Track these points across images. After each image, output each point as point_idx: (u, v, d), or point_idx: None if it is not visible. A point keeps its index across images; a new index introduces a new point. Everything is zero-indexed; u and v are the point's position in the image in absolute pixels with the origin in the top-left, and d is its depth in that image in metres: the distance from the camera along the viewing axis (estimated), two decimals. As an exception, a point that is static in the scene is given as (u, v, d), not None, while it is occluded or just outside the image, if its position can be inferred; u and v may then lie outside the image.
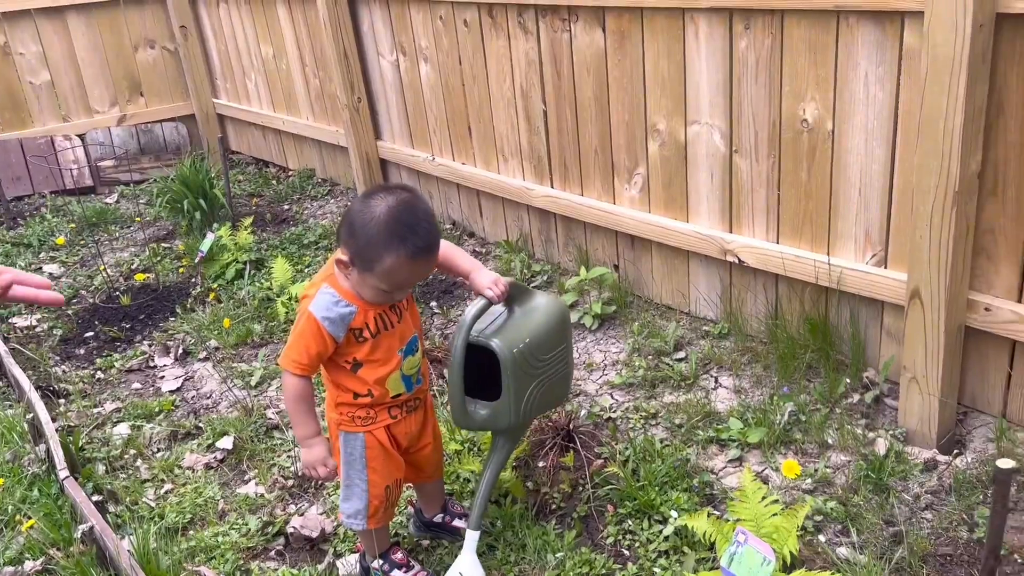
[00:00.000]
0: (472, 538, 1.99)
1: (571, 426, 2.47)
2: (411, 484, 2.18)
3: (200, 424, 2.81)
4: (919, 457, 2.27)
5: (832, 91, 2.41)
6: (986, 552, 1.53)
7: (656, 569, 2.00)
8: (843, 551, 2.00)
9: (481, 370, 1.93)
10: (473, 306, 1.89)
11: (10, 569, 2.17)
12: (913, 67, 2.19)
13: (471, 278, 1.93)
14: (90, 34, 5.61)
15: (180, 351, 3.32)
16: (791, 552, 1.84)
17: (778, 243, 2.72)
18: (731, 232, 2.84)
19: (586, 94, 3.16)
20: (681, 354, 2.88)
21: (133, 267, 4.18)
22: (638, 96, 2.96)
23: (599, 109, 3.13)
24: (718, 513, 2.15)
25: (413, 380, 1.90)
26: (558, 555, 2.07)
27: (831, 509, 2.12)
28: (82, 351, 3.43)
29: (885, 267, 2.46)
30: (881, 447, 2.29)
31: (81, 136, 5.63)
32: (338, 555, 2.19)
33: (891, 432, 2.36)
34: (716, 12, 2.61)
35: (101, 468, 2.60)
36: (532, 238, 3.73)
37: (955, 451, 2.27)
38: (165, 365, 3.27)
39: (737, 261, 2.81)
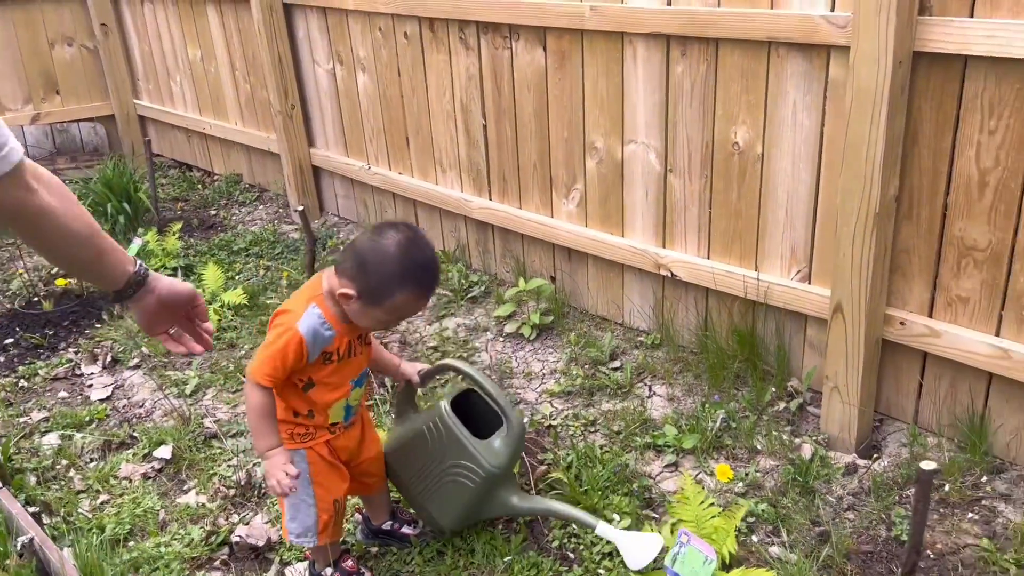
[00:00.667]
0: (604, 529, 1.95)
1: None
2: (357, 496, 2.20)
3: (135, 433, 2.76)
4: (840, 461, 2.43)
5: (763, 117, 2.56)
6: (909, 547, 1.67)
7: (600, 571, 2.09)
8: (775, 550, 2.13)
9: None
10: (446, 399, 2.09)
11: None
12: (837, 97, 2.36)
13: (402, 368, 2.12)
14: (3, 29, 5.40)
15: (109, 359, 3.24)
16: (730, 552, 1.95)
17: (709, 258, 2.85)
18: (664, 247, 2.97)
19: (526, 110, 3.24)
20: (616, 363, 2.99)
21: (53, 272, 4.05)
22: (577, 114, 3.07)
23: (539, 125, 3.22)
24: (656, 516, 2.25)
25: (353, 411, 1.97)
26: (506, 559, 2.13)
27: (762, 511, 2.25)
28: (2, 359, 3.30)
29: (809, 283, 2.62)
30: (807, 452, 2.44)
31: (-8, 134, 5.39)
32: (285, 563, 2.20)
33: (814, 438, 2.51)
34: (654, 38, 2.74)
35: (32, 479, 2.53)
36: (469, 249, 3.79)
37: (874, 455, 2.44)
38: (93, 373, 3.18)
39: (670, 275, 2.94)
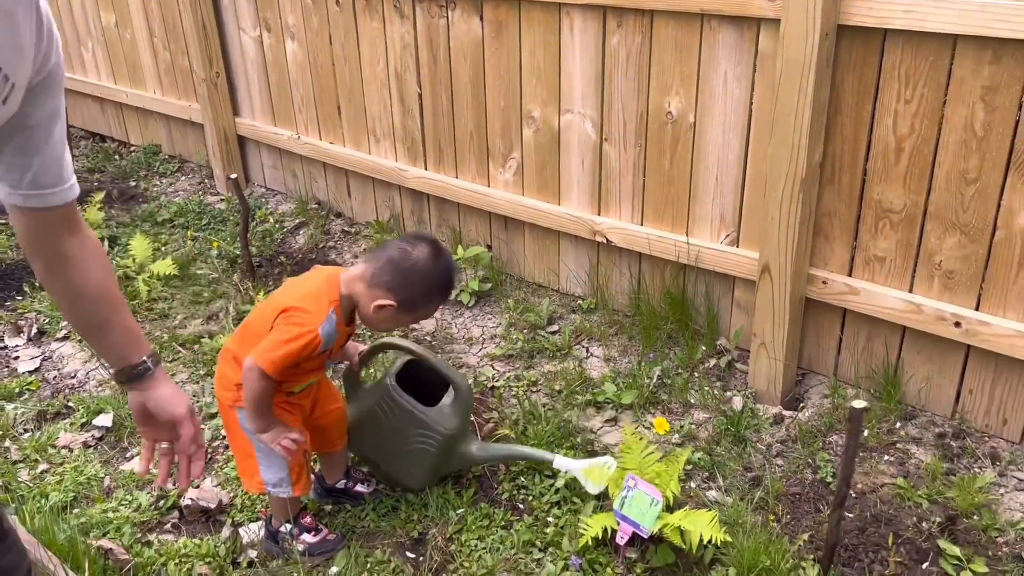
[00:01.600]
0: (561, 461, 2.18)
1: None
2: (316, 453, 2.24)
3: (70, 403, 2.70)
4: (768, 413, 2.59)
5: (695, 87, 2.68)
6: (840, 479, 1.82)
7: (550, 519, 2.18)
8: (712, 494, 2.26)
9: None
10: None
11: None
12: (767, 68, 2.49)
13: (347, 348, 2.18)
14: None
15: (34, 331, 3.14)
16: (673, 494, 2.07)
17: (643, 225, 2.97)
18: (600, 215, 3.07)
19: (462, 80, 3.28)
20: (554, 327, 3.08)
21: (-36, 244, 3.88)
22: (514, 84, 3.12)
23: (475, 95, 3.26)
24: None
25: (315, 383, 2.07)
26: (459, 511, 2.20)
27: (698, 459, 2.38)
28: (-84, 332, 3.17)
29: (737, 246, 2.77)
30: (738, 404, 2.59)
31: None
32: (238, 524, 2.21)
33: (742, 392, 2.67)
34: (590, 8, 2.81)
35: (-36, 450, 2.45)
36: (404, 219, 3.81)
37: (799, 406, 2.61)
38: (18, 345, 3.09)
39: (605, 241, 3.04)
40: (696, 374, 2.76)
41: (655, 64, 2.74)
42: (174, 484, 1.81)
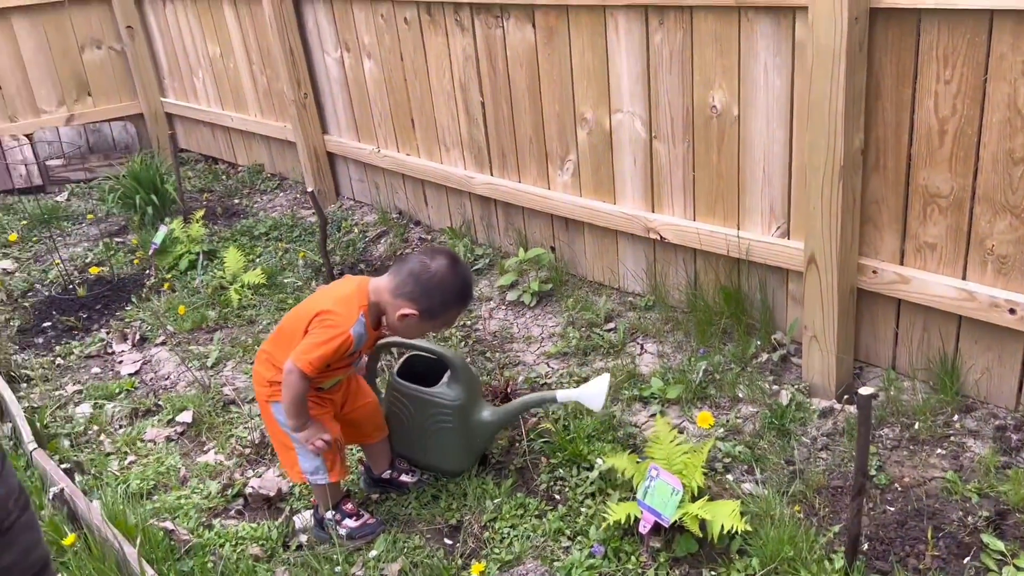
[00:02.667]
0: (562, 394, 2.28)
1: (509, 390, 2.69)
2: (358, 445, 2.39)
3: (160, 402, 2.97)
4: (818, 406, 2.54)
5: (737, 79, 2.66)
6: (855, 469, 1.79)
7: (583, 508, 2.23)
8: (748, 487, 2.25)
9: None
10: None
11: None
12: (804, 57, 2.45)
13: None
14: (35, 35, 5.67)
15: (137, 337, 3.46)
16: (698, 485, 2.08)
17: (695, 220, 2.97)
18: (653, 212, 3.09)
19: (520, 87, 3.38)
20: (611, 325, 3.12)
21: (87, 261, 4.29)
22: (567, 87, 3.19)
23: (532, 100, 3.35)
24: (640, 459, 2.39)
25: (342, 382, 2.21)
26: (495, 501, 2.29)
27: (739, 452, 2.37)
28: (41, 340, 3.55)
29: (788, 238, 2.73)
30: (784, 398, 2.55)
31: (29, 136, 5.69)
32: (294, 511, 2.38)
33: (795, 386, 2.62)
34: (633, 8, 2.85)
35: (66, 443, 2.75)
36: (475, 224, 3.94)
37: (845, 398, 2.54)
38: (123, 351, 3.41)
39: (659, 238, 3.06)
40: (749, 368, 2.73)
41: (697, 59, 2.75)
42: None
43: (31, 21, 5.63)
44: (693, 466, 2.10)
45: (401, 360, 2.38)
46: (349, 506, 2.24)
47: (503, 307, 3.42)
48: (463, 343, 3.17)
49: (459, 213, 4.02)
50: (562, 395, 2.27)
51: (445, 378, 2.29)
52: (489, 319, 3.33)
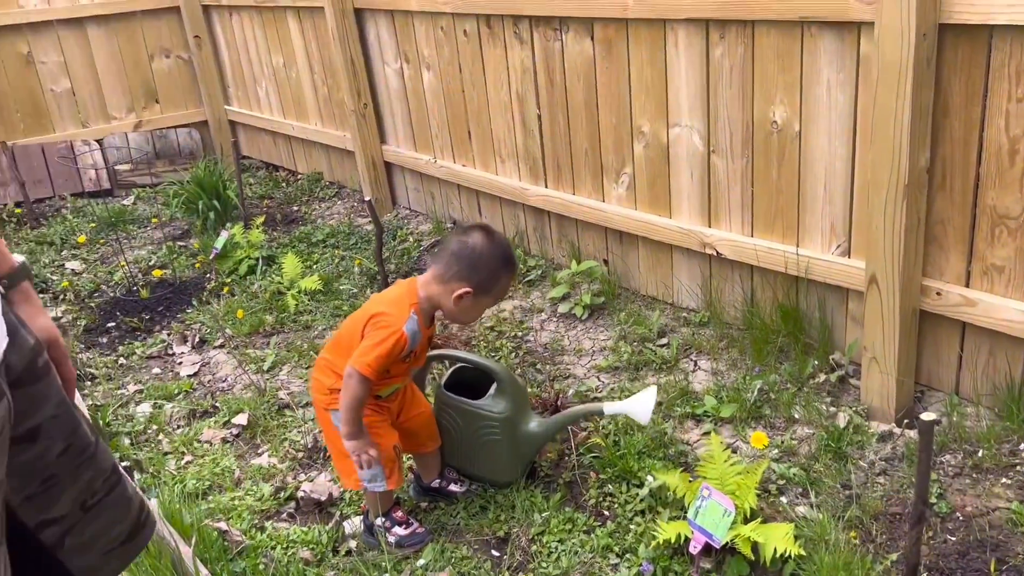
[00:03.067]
0: (610, 407, 2.28)
1: (559, 403, 2.69)
2: (411, 454, 2.40)
3: (217, 404, 3.03)
4: (877, 429, 2.48)
5: (798, 95, 2.63)
6: (915, 496, 1.74)
7: (632, 526, 2.21)
8: (802, 510, 2.21)
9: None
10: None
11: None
12: (868, 72, 2.41)
13: None
14: (108, 44, 5.87)
15: (197, 339, 3.54)
16: (751, 506, 2.04)
17: (752, 236, 2.93)
18: (710, 227, 3.06)
19: (577, 99, 3.38)
20: (664, 340, 3.09)
21: (151, 263, 4.42)
22: (624, 101, 3.18)
23: (589, 113, 3.35)
24: (692, 478, 2.36)
25: (400, 389, 2.24)
26: (544, 514, 2.28)
27: (793, 475, 2.32)
28: (105, 340, 3.66)
29: (849, 256, 2.67)
30: (842, 420, 2.50)
31: (99, 141, 5.88)
32: (344, 517, 2.40)
33: (853, 408, 2.56)
34: (693, 23, 2.83)
35: (126, 441, 2.82)
36: (528, 235, 3.95)
37: (905, 422, 2.48)
38: (183, 352, 3.49)
39: (715, 253, 3.03)
40: (805, 389, 2.68)
41: (758, 74, 2.71)
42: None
43: (105, 30, 5.83)
44: (746, 487, 2.06)
45: (449, 372, 2.39)
46: (399, 514, 2.25)
47: (554, 319, 3.41)
48: (514, 354, 3.17)
49: (513, 224, 4.03)
50: (609, 408, 2.26)
51: (492, 390, 2.30)
52: (540, 331, 3.33)
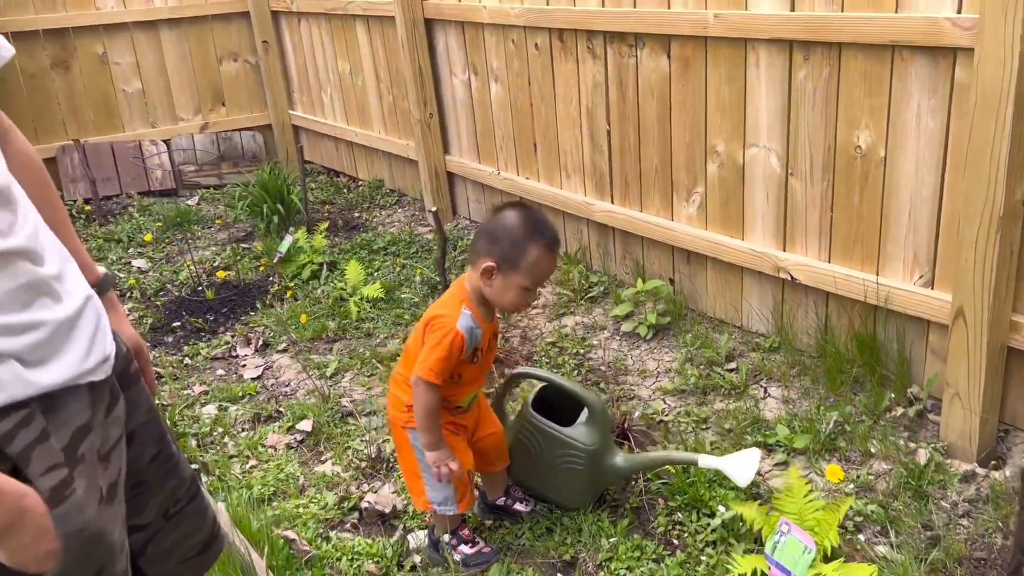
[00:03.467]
0: (706, 460, 2.16)
1: (626, 425, 2.64)
2: (479, 472, 2.38)
3: (280, 408, 3.05)
4: (959, 469, 2.39)
5: (886, 120, 2.56)
6: (1013, 544, 1.66)
7: (703, 557, 2.16)
8: (881, 549, 2.13)
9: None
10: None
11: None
12: (964, 100, 2.33)
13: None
14: (179, 46, 5.98)
15: (260, 343, 3.57)
16: (831, 544, 1.98)
17: (829, 262, 2.86)
18: (784, 250, 2.99)
19: (649, 116, 3.34)
20: (732, 365, 3.03)
21: (215, 264, 4.47)
22: (699, 119, 3.14)
23: (661, 130, 3.31)
24: (768, 510, 2.29)
25: (476, 399, 2.20)
26: (611, 540, 2.24)
27: (871, 512, 2.25)
28: (170, 339, 3.70)
29: (932, 288, 2.59)
30: (922, 457, 2.41)
31: (166, 141, 5.99)
32: (408, 530, 2.39)
33: (932, 445, 2.48)
34: (777, 43, 2.78)
35: (193, 442, 2.85)
36: (591, 251, 3.91)
37: (997, 464, 2.38)
38: (246, 355, 3.52)
39: (789, 278, 2.96)
40: (881, 422, 2.60)
41: (843, 97, 2.65)
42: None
43: (177, 33, 5.95)
44: (827, 524, 2.00)
45: (536, 391, 2.36)
46: (466, 532, 2.23)
47: (617, 337, 3.37)
48: (576, 371, 3.14)
49: (575, 239, 4.00)
50: (705, 461, 2.15)
51: (582, 419, 2.25)
52: (603, 349, 3.29)
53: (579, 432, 2.23)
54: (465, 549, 2.21)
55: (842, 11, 2.57)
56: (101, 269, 1.47)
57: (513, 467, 2.36)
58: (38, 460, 1.11)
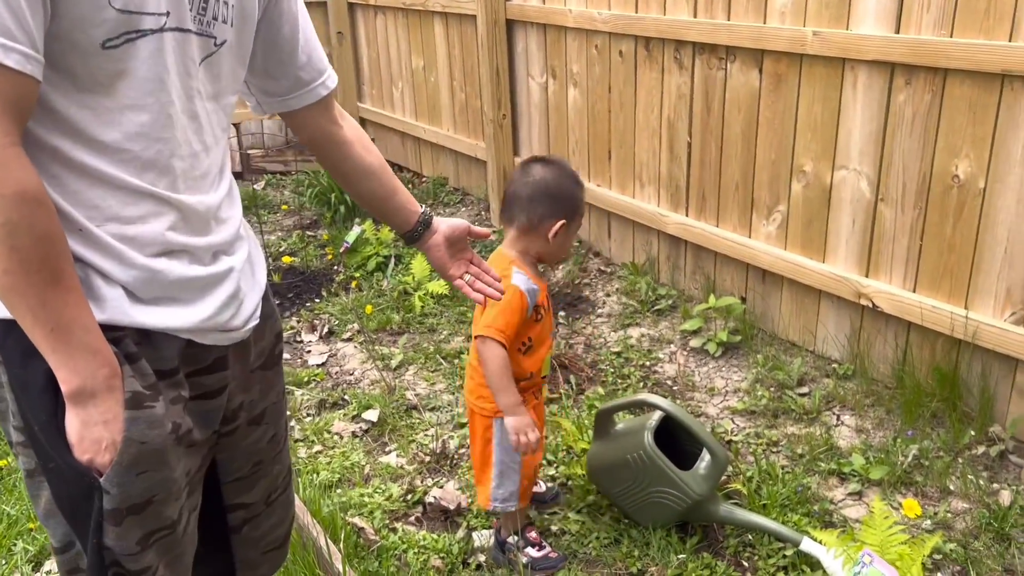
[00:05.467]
0: (809, 545, 2.09)
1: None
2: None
3: (346, 396, 3.06)
4: (1043, 514, 2.31)
5: (988, 151, 2.49)
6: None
7: (775, 582, 2.11)
8: (962, 591, 2.07)
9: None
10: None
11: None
12: (1077, 134, 2.26)
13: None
14: (257, 33, 6.05)
15: (325, 330, 3.59)
16: (914, 580, 1.92)
17: (915, 292, 2.79)
18: (867, 277, 2.93)
19: (734, 130, 3.30)
20: (804, 389, 2.97)
21: (280, 249, 4.51)
22: (787, 138, 3.09)
23: (746, 146, 3.26)
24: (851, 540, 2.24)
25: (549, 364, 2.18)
26: (680, 556, 2.20)
27: (950, 550, 2.18)
28: (236, 319, 3.74)
29: (1024, 326, 2.51)
30: (1006, 499, 2.34)
31: (236, 125, 6.07)
32: (472, 528, 2.37)
33: (1014, 488, 2.40)
34: (878, 65, 2.72)
35: (260, 423, 2.87)
36: (659, 263, 3.88)
37: (1083, 512, 2.30)
38: (311, 341, 3.54)
39: (871, 305, 2.89)
40: (960, 460, 2.53)
41: (944, 124, 2.59)
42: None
43: (255, 20, 6.02)
44: (911, 559, 1.94)
45: (657, 418, 2.25)
46: (533, 535, 2.21)
47: (684, 352, 3.33)
48: (642, 383, 3.10)
49: (644, 250, 3.96)
50: (807, 545, 2.08)
51: (702, 468, 2.18)
52: (669, 363, 3.25)
53: (694, 479, 2.16)
54: (532, 552, 2.19)
55: (951, 36, 2.51)
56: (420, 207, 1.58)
57: (604, 477, 2.31)
58: (127, 368, 1.11)
